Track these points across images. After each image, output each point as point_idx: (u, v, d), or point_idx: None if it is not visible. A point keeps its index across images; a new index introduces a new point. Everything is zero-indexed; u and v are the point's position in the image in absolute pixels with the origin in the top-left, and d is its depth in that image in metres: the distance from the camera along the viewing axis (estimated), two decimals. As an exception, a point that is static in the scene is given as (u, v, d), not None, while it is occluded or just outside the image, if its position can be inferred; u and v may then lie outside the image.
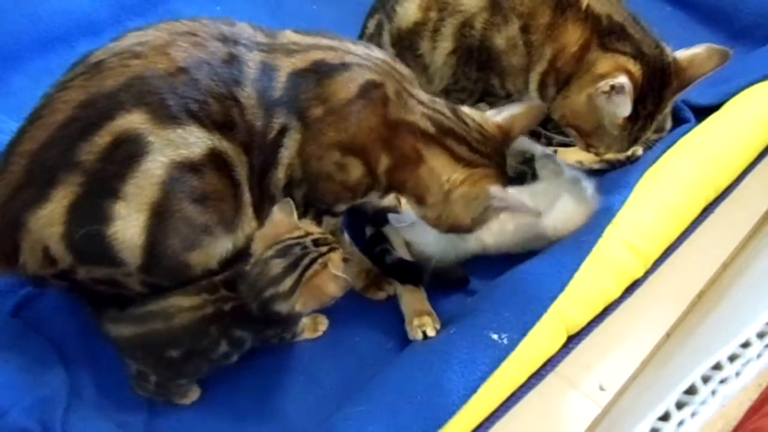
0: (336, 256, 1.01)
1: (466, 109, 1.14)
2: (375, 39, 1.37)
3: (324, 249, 1.01)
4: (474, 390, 1.05)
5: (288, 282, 0.98)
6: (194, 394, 1.12)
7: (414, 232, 1.28)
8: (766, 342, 0.70)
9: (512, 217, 1.23)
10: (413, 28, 1.29)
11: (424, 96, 1.12)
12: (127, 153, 0.96)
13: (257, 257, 1.01)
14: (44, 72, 1.05)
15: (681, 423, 0.74)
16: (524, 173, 1.31)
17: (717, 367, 0.69)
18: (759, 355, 0.69)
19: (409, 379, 1.07)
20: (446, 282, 1.28)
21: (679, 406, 0.77)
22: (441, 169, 1.09)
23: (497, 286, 1.19)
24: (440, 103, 1.12)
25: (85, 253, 0.99)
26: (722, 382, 0.69)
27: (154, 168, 0.96)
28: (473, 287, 1.28)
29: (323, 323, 1.21)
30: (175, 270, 1.03)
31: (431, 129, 1.09)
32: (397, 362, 1.13)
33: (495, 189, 1.08)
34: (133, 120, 0.96)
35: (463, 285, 1.28)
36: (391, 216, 1.27)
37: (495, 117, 1.14)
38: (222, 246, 1.05)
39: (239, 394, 1.14)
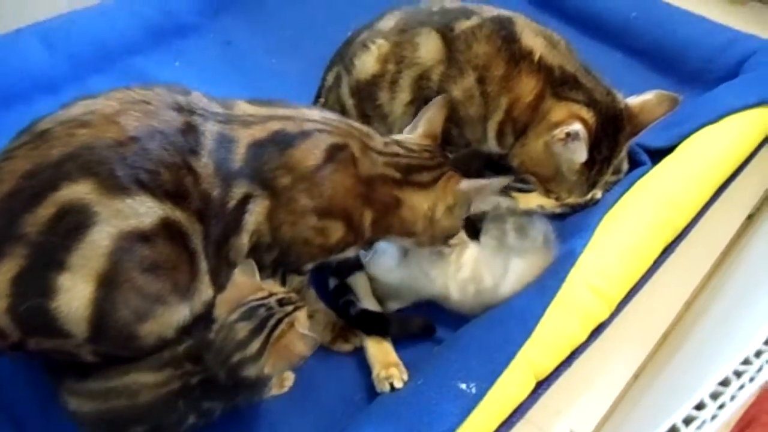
0: (302, 315, 1.00)
1: (402, 136, 1.19)
2: (334, 91, 1.38)
3: (289, 308, 0.99)
4: (444, 441, 1.03)
5: (255, 345, 0.96)
6: None
7: (375, 263, 1.28)
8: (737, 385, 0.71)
9: (474, 282, 1.24)
10: (371, 80, 1.31)
11: (379, 144, 1.15)
12: (72, 224, 0.93)
13: (221, 322, 0.99)
14: (1, 130, 1.04)
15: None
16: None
17: (672, 430, 0.69)
18: (721, 407, 0.69)
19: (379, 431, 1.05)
20: (412, 331, 1.27)
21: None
22: (420, 203, 1.14)
23: (463, 335, 1.19)
24: (391, 143, 1.16)
25: (31, 327, 0.96)
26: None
27: (100, 239, 0.94)
28: (439, 336, 1.27)
29: (289, 378, 1.19)
30: (127, 340, 1.00)
31: (396, 174, 1.13)
32: (365, 415, 1.10)
33: (463, 185, 1.15)
34: (79, 190, 0.94)
35: (429, 334, 1.27)
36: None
37: (416, 131, 1.20)
38: (178, 314, 1.03)
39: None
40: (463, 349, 1.15)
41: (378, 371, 1.17)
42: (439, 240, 1.20)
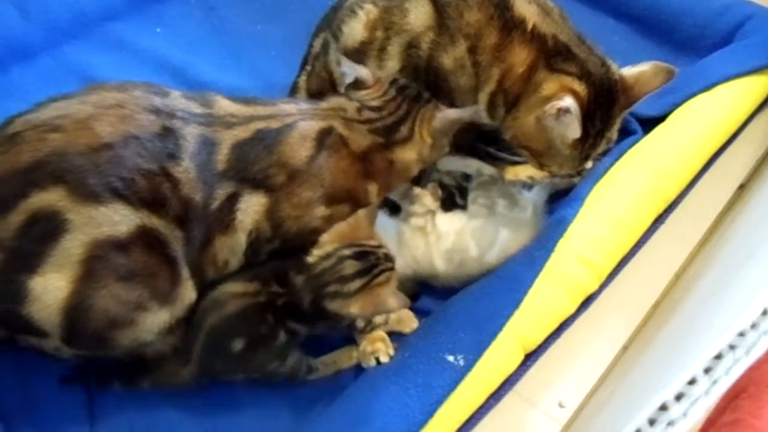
0: (395, 276, 1.07)
1: (359, 93, 1.17)
2: (321, 58, 1.35)
3: (390, 265, 1.06)
4: (431, 414, 1.04)
5: (355, 284, 1.03)
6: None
7: None
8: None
9: (458, 252, 1.22)
10: (359, 48, 1.27)
11: (354, 113, 1.14)
12: (44, 231, 0.93)
13: (329, 251, 1.05)
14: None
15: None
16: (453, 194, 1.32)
17: (663, 407, 0.68)
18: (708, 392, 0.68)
19: (365, 406, 1.05)
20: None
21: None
22: (409, 155, 1.16)
23: (451, 307, 1.18)
24: (360, 108, 1.15)
25: (10, 326, 0.98)
26: (670, 424, 0.68)
27: (73, 246, 0.93)
28: (427, 307, 1.25)
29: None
30: (101, 344, 1.00)
31: (381, 139, 1.13)
32: (352, 389, 1.10)
33: (437, 123, 1.15)
34: (50, 198, 0.93)
35: (414, 299, 1.25)
36: None
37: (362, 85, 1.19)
38: (159, 318, 1.02)
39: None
40: (450, 321, 1.15)
41: (364, 346, 1.16)
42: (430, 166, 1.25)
